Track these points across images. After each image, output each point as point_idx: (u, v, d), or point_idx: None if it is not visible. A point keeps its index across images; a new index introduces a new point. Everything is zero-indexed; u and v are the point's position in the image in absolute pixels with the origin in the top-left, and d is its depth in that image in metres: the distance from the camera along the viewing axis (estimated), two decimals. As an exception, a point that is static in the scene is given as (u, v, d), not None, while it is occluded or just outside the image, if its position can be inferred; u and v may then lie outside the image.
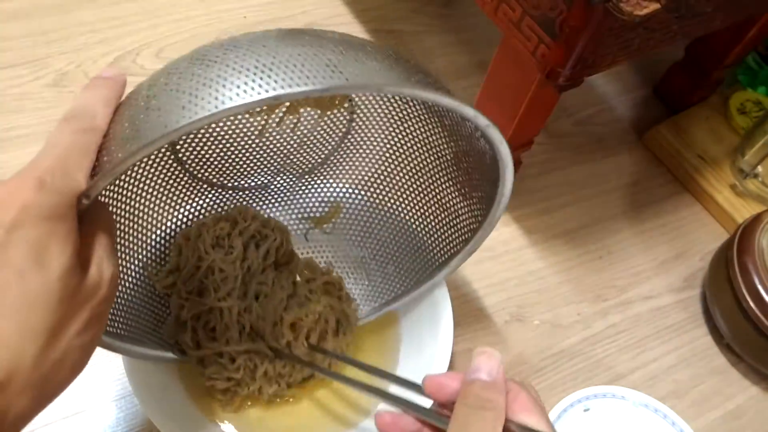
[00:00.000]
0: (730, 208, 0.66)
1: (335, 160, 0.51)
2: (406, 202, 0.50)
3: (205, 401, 0.45)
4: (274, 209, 0.52)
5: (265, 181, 0.51)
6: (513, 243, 0.62)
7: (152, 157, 0.43)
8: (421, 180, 0.48)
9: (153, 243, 0.46)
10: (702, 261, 0.64)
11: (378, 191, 0.51)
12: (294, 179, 0.52)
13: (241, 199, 0.51)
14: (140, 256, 0.45)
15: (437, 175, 0.47)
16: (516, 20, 0.47)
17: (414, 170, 0.48)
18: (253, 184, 0.51)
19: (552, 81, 0.47)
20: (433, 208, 0.48)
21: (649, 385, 0.56)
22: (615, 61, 0.48)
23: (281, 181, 0.52)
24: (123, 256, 0.43)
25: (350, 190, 0.52)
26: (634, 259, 0.63)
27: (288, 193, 0.52)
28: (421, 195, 0.49)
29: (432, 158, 0.46)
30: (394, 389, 0.38)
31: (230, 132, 0.46)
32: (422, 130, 0.46)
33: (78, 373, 0.28)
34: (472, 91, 0.63)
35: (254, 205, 0.52)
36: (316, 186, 0.52)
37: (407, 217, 0.50)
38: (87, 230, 0.28)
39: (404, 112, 0.46)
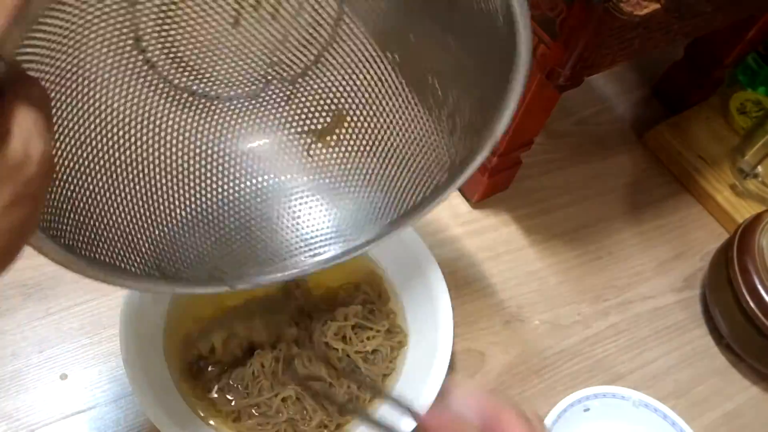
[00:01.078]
0: (730, 208, 0.66)
1: (330, 57, 0.45)
2: (412, 104, 0.44)
3: (205, 402, 0.45)
4: (269, 123, 0.47)
5: (255, 89, 0.45)
6: (513, 243, 0.62)
7: (115, 56, 0.38)
8: (429, 76, 0.43)
9: (130, 166, 0.41)
10: (702, 261, 0.64)
11: (384, 91, 0.45)
12: (286, 85, 0.46)
13: (231, 112, 0.45)
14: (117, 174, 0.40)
15: (446, 68, 0.41)
16: (516, 20, 0.46)
17: (419, 63, 0.43)
18: (241, 92, 0.45)
19: (552, 81, 0.47)
20: (440, 111, 0.43)
21: (649, 385, 0.56)
22: (615, 61, 0.48)
23: (274, 88, 0.46)
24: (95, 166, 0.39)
25: (353, 93, 0.46)
26: (634, 259, 0.63)
27: (282, 103, 0.47)
28: (427, 94, 0.43)
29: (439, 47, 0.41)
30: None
31: (201, 21, 0.41)
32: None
33: (5, 264, 0.26)
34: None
35: (247, 119, 0.46)
36: (312, 91, 0.46)
37: (416, 121, 0.44)
38: (9, 100, 0.25)
39: None
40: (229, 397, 0.46)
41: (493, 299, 0.58)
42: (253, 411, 0.45)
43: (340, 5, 0.42)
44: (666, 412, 0.51)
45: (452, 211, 0.63)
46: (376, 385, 0.46)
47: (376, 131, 0.46)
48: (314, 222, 0.47)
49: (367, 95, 0.45)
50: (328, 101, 0.46)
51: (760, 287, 0.53)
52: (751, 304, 0.53)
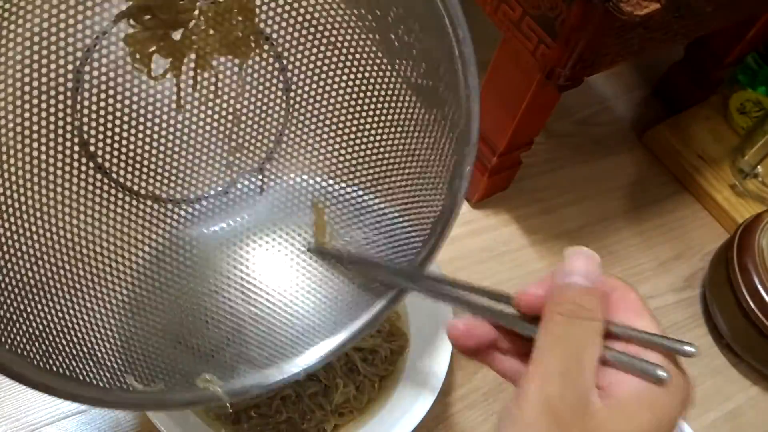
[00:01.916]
0: (730, 208, 0.66)
1: (293, 137, 0.42)
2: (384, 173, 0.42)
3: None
4: (254, 228, 0.43)
5: (222, 183, 0.42)
6: (513, 243, 0.62)
7: (63, 167, 0.35)
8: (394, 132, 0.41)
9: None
10: (702, 261, 0.64)
11: (355, 167, 0.43)
12: (254, 174, 0.43)
13: (204, 216, 0.41)
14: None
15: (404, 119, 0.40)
16: (516, 20, 0.46)
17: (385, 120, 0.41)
18: (207, 189, 0.41)
19: (552, 81, 0.47)
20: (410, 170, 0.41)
21: (649, 385, 0.56)
22: (615, 61, 0.48)
23: (243, 180, 0.42)
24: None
25: (323, 177, 0.43)
26: (634, 259, 0.63)
27: (256, 196, 0.43)
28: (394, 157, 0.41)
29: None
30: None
31: (143, 110, 0.37)
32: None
33: None
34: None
35: (219, 218, 0.42)
36: (282, 177, 0.43)
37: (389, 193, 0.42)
38: None
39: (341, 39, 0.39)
40: None
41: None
42: (252, 413, 0.45)
43: (283, 72, 0.40)
44: (666, 412, 0.51)
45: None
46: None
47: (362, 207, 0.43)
48: (311, 312, 0.43)
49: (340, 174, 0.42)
50: (303, 184, 0.43)
51: (760, 287, 0.53)
52: (751, 304, 0.53)
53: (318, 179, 0.43)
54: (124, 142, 0.37)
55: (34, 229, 0.34)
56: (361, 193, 0.43)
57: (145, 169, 0.39)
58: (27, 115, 0.33)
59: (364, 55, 0.39)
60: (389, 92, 0.40)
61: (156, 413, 0.41)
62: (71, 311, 0.35)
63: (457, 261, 0.59)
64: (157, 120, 0.38)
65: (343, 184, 0.43)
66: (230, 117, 0.40)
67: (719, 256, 0.59)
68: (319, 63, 0.40)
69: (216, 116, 0.40)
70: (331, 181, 0.43)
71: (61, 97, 0.34)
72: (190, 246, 0.41)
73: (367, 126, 0.41)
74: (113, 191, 0.38)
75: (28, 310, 0.33)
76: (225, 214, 0.42)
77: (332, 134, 0.42)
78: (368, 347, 0.49)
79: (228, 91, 0.39)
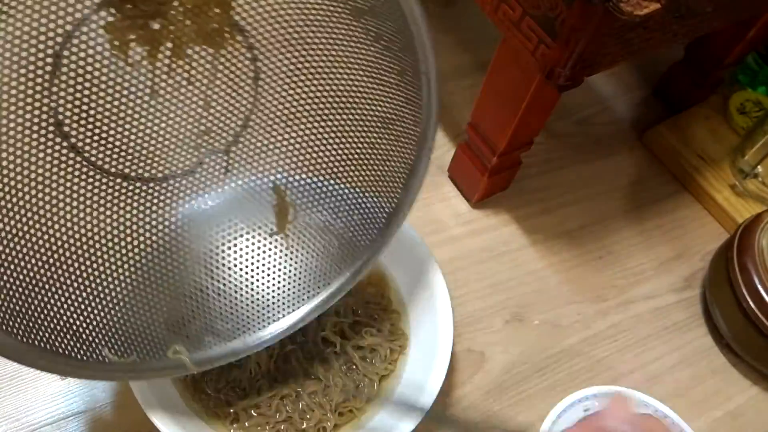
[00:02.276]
0: (730, 208, 0.66)
1: (259, 119, 0.44)
2: (350, 152, 0.45)
3: (204, 404, 0.45)
4: (215, 207, 0.45)
5: (189, 164, 0.44)
6: (513, 243, 0.62)
7: (38, 145, 0.37)
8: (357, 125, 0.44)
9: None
10: (702, 261, 0.64)
11: (319, 154, 0.45)
12: (221, 156, 0.45)
13: (170, 193, 0.43)
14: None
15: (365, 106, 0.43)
16: (516, 20, 0.46)
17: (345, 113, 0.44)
18: (175, 169, 0.43)
19: (552, 81, 0.47)
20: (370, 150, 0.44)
21: (649, 385, 0.56)
22: (615, 61, 0.48)
23: (209, 161, 0.44)
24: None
25: (286, 162, 0.46)
26: (634, 259, 0.63)
27: (221, 176, 0.46)
28: (357, 141, 0.45)
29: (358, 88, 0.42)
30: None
31: (118, 94, 0.39)
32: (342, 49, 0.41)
33: None
34: (472, 91, 0.63)
35: (187, 196, 0.44)
36: (248, 158, 0.45)
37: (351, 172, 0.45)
38: None
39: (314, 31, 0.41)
40: (225, 397, 0.46)
41: (493, 299, 0.58)
42: (252, 412, 0.45)
43: (254, 62, 0.41)
44: (666, 412, 0.51)
45: (452, 211, 0.63)
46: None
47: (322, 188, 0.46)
48: (273, 284, 0.47)
49: (302, 155, 0.45)
50: (266, 166, 0.46)
51: (760, 287, 0.53)
52: (751, 304, 0.53)
53: (282, 164, 0.46)
54: (98, 124, 0.38)
55: (9, 206, 0.36)
56: (322, 178, 0.46)
57: (116, 149, 0.40)
58: (3, 96, 0.34)
59: (332, 48, 0.42)
60: (354, 84, 0.42)
61: (157, 414, 0.41)
62: (51, 288, 0.38)
63: (457, 261, 0.60)
64: (130, 104, 0.39)
65: (306, 170, 0.46)
66: (200, 102, 0.42)
67: (719, 256, 0.59)
68: (289, 55, 0.42)
69: (187, 101, 0.41)
70: (294, 166, 0.46)
71: (39, 80, 0.35)
72: (159, 225, 0.44)
73: (332, 115, 0.44)
74: (85, 170, 0.39)
75: (8, 286, 0.35)
76: (192, 194, 0.45)
77: (297, 122, 0.45)
78: (368, 346, 0.49)
79: (200, 78, 0.41)
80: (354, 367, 0.48)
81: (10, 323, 0.35)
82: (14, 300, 0.35)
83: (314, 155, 0.46)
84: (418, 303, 0.50)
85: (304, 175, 0.46)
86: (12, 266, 0.36)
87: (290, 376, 0.47)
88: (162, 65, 0.39)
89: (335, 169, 0.46)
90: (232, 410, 0.45)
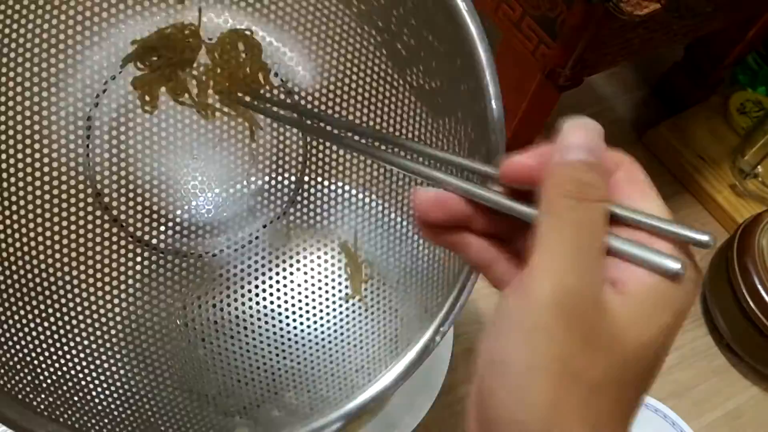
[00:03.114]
0: (730, 208, 0.66)
1: (313, 175, 0.40)
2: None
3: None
4: (281, 279, 0.41)
5: (241, 236, 0.40)
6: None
7: (77, 216, 0.33)
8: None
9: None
10: (702, 261, 0.64)
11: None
12: (278, 221, 0.40)
13: (227, 270, 0.39)
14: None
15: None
16: (516, 20, 0.47)
17: None
18: (224, 240, 0.39)
19: (552, 81, 0.47)
20: None
21: (649, 385, 0.56)
22: (615, 61, 0.48)
23: (263, 230, 0.41)
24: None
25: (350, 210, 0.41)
26: (634, 259, 0.63)
27: (284, 245, 0.41)
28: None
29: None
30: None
31: (156, 154, 0.36)
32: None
33: None
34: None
35: (233, 272, 0.40)
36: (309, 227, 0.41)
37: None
38: None
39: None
40: None
41: (493, 299, 0.58)
42: None
43: (295, 106, 0.37)
44: (666, 412, 0.51)
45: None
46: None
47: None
48: (349, 359, 0.41)
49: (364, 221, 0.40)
50: (331, 220, 0.40)
51: (760, 287, 0.53)
52: (751, 304, 0.53)
53: (347, 214, 0.41)
54: (132, 186, 0.35)
55: (53, 281, 0.33)
56: (393, 220, 0.40)
57: (160, 220, 0.36)
58: (46, 169, 0.32)
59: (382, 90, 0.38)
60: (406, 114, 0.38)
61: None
62: (81, 364, 0.33)
63: (457, 261, 0.59)
64: (170, 163, 0.36)
65: (377, 215, 0.40)
66: (246, 157, 0.38)
67: (719, 256, 0.59)
68: (332, 96, 0.38)
69: (233, 156, 0.37)
70: (362, 215, 0.40)
71: (72, 145, 0.33)
72: (214, 303, 0.39)
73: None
74: (129, 245, 0.36)
75: (40, 359, 0.32)
76: (250, 268, 0.40)
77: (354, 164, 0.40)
78: None
79: (240, 129, 0.37)
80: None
81: (35, 398, 0.30)
82: (43, 374, 0.31)
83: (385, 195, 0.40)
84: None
85: (374, 225, 0.41)
86: (49, 341, 0.32)
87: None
88: (191, 116, 0.35)
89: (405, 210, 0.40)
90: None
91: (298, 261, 0.41)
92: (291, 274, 0.41)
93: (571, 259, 0.20)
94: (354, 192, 0.41)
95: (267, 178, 0.39)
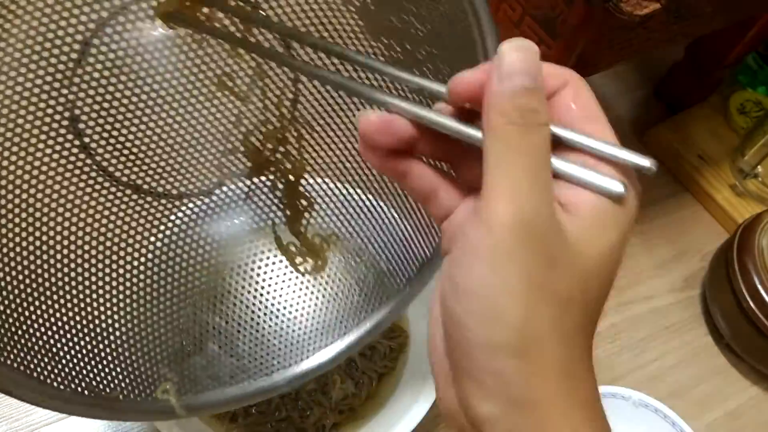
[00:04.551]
0: (730, 208, 0.66)
1: (291, 147, 0.40)
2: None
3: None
4: (235, 233, 0.41)
5: (208, 184, 0.39)
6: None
7: (47, 137, 0.32)
8: None
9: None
10: (702, 261, 0.64)
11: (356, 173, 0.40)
12: (243, 180, 0.40)
13: (184, 214, 0.39)
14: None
15: None
16: (516, 20, 0.46)
17: None
18: (193, 188, 0.39)
19: (552, 81, 0.47)
20: None
21: (649, 385, 0.55)
22: (615, 61, 0.48)
23: (230, 184, 0.40)
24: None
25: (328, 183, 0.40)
26: (634, 260, 0.63)
27: (240, 202, 0.41)
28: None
29: None
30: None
31: (145, 96, 0.35)
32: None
33: None
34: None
35: (201, 221, 0.40)
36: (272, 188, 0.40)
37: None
38: None
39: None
40: None
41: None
42: (251, 410, 0.45)
43: (295, 82, 0.37)
44: (666, 412, 0.51)
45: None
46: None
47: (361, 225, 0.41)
48: (297, 322, 0.41)
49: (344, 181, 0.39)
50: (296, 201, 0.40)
51: (760, 287, 0.53)
52: (751, 304, 0.53)
53: (319, 189, 0.41)
54: (116, 125, 0.35)
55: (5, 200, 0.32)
56: (362, 195, 0.41)
57: (131, 157, 0.36)
58: (21, 77, 0.31)
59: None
60: None
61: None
62: (30, 297, 0.33)
63: (457, 261, 0.59)
64: (156, 108, 0.35)
65: (346, 186, 0.41)
66: (232, 117, 0.38)
67: (719, 256, 0.59)
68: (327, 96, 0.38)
69: (218, 114, 0.37)
70: (331, 191, 0.41)
71: (61, 66, 0.32)
72: (167, 245, 0.39)
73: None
74: (93, 174, 0.35)
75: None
76: (208, 217, 0.40)
77: (336, 151, 0.40)
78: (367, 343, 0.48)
79: (237, 90, 0.37)
80: (353, 364, 0.48)
81: None
82: None
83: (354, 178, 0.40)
84: (418, 302, 0.50)
85: (342, 195, 0.41)
86: None
87: None
88: (198, 68, 0.34)
89: (379, 187, 0.40)
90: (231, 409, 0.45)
91: (257, 223, 0.41)
92: (248, 232, 0.41)
93: (524, 184, 0.20)
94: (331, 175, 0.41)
95: (245, 140, 0.39)
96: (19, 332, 0.31)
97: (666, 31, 0.48)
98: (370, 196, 0.41)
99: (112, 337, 0.35)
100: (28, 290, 0.32)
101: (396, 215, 0.40)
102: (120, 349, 0.35)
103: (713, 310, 0.58)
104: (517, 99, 0.21)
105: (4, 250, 0.32)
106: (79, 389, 0.32)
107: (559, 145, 0.22)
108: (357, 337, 0.38)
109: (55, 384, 0.31)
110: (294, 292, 0.42)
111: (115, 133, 0.35)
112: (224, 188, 0.40)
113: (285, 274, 0.42)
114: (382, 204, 0.40)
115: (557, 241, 0.20)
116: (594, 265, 0.21)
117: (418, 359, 0.48)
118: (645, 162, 0.21)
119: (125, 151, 0.36)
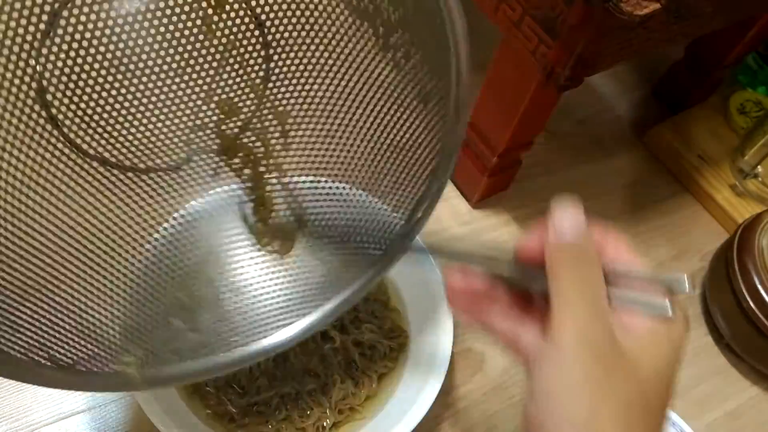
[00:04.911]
0: (730, 208, 0.66)
1: (259, 127, 0.40)
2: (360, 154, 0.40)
3: (203, 402, 0.45)
4: (205, 209, 0.41)
5: (176, 159, 0.39)
6: (513, 243, 0.62)
7: (12, 107, 0.32)
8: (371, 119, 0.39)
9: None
10: (702, 261, 0.64)
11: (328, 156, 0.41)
12: (212, 157, 0.40)
13: (148, 186, 0.39)
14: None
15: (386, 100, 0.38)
16: (516, 20, 0.46)
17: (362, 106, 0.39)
18: (160, 162, 0.39)
19: (552, 81, 0.47)
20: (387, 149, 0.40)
21: (649, 385, 0.56)
22: (615, 61, 0.48)
23: (198, 160, 0.40)
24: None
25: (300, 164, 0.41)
26: (634, 259, 0.63)
27: (208, 178, 0.41)
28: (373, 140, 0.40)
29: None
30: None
31: (114, 69, 0.35)
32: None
33: None
34: (472, 91, 0.63)
35: (167, 194, 0.40)
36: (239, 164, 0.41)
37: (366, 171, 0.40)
38: None
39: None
40: (224, 396, 0.46)
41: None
42: (253, 410, 0.45)
43: (267, 60, 0.37)
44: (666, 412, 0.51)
45: (452, 211, 0.63)
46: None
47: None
48: (268, 295, 0.41)
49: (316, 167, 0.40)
50: (264, 171, 0.41)
51: (760, 287, 0.53)
52: (751, 304, 0.53)
53: (285, 167, 0.42)
54: (84, 98, 0.34)
55: None
56: (330, 181, 0.42)
57: (98, 129, 0.36)
58: None
59: (352, 47, 0.38)
60: (373, 84, 0.38)
61: (155, 413, 0.41)
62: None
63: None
64: (125, 81, 0.35)
65: (313, 172, 0.42)
66: (202, 93, 0.38)
67: (719, 256, 0.59)
68: (302, 54, 0.39)
69: (189, 87, 0.37)
70: (300, 168, 0.42)
71: (29, 36, 0.31)
72: (136, 217, 0.39)
73: (347, 120, 0.40)
74: (60, 146, 0.35)
75: None
76: (175, 192, 0.40)
77: (305, 127, 0.41)
78: (367, 342, 0.48)
79: (208, 64, 0.37)
80: (353, 364, 0.48)
81: None
82: None
83: (323, 159, 0.42)
84: (418, 302, 0.50)
85: (311, 177, 0.42)
86: None
87: (289, 374, 0.47)
88: (169, 38, 0.34)
89: (346, 173, 0.41)
90: (231, 409, 0.45)
91: (228, 200, 0.42)
92: (218, 209, 0.42)
93: (586, 307, 0.25)
94: (299, 154, 0.42)
95: (214, 117, 0.39)
96: None
97: (666, 31, 0.48)
98: (337, 183, 0.42)
99: (76, 310, 0.35)
100: None
101: (364, 195, 0.41)
102: (84, 323, 0.35)
103: (713, 310, 0.58)
104: (570, 247, 0.27)
105: None
106: (42, 360, 0.31)
107: (613, 278, 0.27)
108: (319, 317, 0.37)
109: (18, 355, 0.31)
110: (259, 270, 0.42)
111: (83, 105, 0.35)
112: (192, 165, 0.40)
113: (250, 252, 0.42)
114: (348, 186, 0.41)
115: (615, 354, 0.25)
116: (651, 373, 0.26)
117: (418, 359, 0.48)
118: (683, 284, 0.27)
119: (93, 124, 0.36)
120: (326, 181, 0.42)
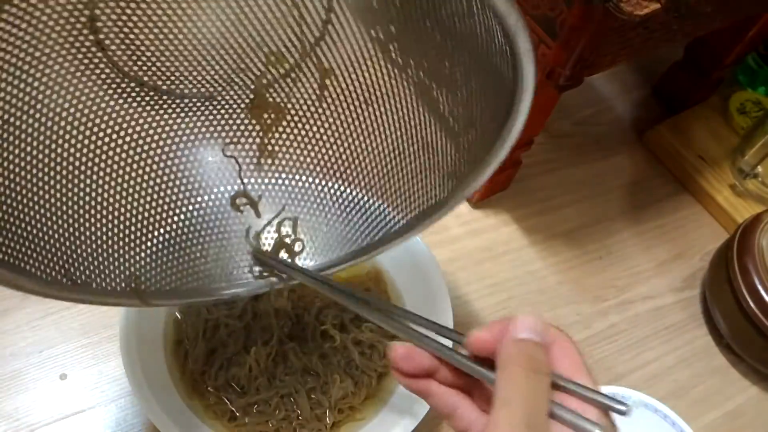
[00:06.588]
0: (730, 208, 0.66)
1: (303, 74, 0.40)
2: (390, 132, 0.41)
3: (203, 401, 0.45)
4: (222, 131, 0.42)
5: (212, 91, 0.40)
6: (513, 243, 0.62)
7: (63, 32, 0.33)
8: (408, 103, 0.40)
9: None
10: (702, 261, 0.64)
11: (358, 118, 0.41)
12: (247, 92, 0.40)
13: (180, 111, 0.40)
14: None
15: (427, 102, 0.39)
16: (516, 20, 0.46)
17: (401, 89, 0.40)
18: (196, 91, 0.40)
19: (552, 81, 0.47)
20: (416, 145, 0.41)
21: (649, 385, 0.56)
22: (615, 61, 0.48)
23: (233, 94, 0.40)
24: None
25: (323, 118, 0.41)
26: (633, 260, 0.63)
27: (239, 111, 0.41)
28: (407, 126, 0.41)
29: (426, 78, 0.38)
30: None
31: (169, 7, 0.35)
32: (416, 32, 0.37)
33: None
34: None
35: (198, 122, 0.41)
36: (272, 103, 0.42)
37: (390, 152, 0.42)
38: None
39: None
40: (224, 395, 0.46)
41: (493, 299, 0.58)
42: (251, 410, 0.45)
43: (325, 23, 0.37)
44: (666, 412, 0.51)
45: (452, 211, 0.63)
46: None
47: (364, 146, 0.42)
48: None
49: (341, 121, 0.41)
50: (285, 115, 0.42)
51: (760, 287, 0.53)
52: (751, 304, 0.53)
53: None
54: (135, 30, 0.35)
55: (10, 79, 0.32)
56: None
57: (141, 52, 0.36)
58: None
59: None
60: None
61: (155, 413, 0.41)
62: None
63: (456, 261, 0.59)
64: (174, 18, 0.35)
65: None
66: (253, 42, 0.37)
67: (719, 256, 0.59)
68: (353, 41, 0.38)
69: (242, 32, 0.37)
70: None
71: None
72: (156, 141, 0.40)
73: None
74: (102, 66, 0.36)
75: None
76: (200, 122, 0.41)
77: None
78: (367, 340, 0.48)
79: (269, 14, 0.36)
80: (353, 363, 0.48)
81: None
82: None
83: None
84: (418, 302, 0.50)
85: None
86: None
87: (289, 373, 0.47)
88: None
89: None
90: (231, 408, 0.45)
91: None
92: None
93: (525, 419, 0.25)
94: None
95: (260, 57, 0.39)
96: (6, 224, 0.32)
97: (666, 31, 0.48)
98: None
99: (93, 228, 0.37)
100: (22, 173, 0.34)
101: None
102: (99, 241, 0.38)
103: (713, 310, 0.58)
104: (527, 349, 0.27)
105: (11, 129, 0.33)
106: (55, 274, 0.34)
107: (554, 387, 0.27)
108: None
109: (33, 270, 0.33)
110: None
111: (132, 36, 0.35)
112: (221, 100, 0.41)
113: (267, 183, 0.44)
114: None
115: None
116: None
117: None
118: (621, 407, 0.27)
119: (137, 52, 0.36)
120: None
